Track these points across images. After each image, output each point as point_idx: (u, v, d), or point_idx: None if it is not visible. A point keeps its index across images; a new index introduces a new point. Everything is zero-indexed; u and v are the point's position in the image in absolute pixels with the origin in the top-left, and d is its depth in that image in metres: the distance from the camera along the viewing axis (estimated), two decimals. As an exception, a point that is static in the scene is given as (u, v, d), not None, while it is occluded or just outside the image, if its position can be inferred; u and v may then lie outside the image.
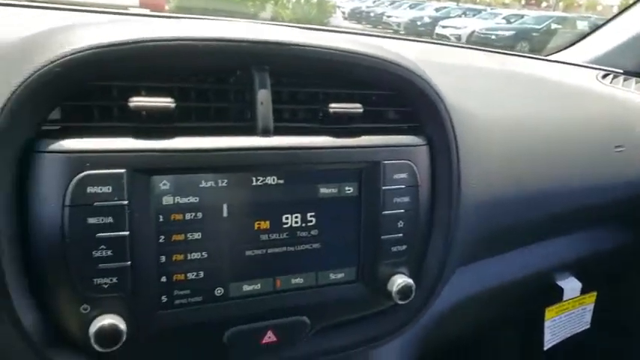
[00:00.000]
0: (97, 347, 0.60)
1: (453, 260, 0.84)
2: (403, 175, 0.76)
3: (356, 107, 0.73)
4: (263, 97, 0.67)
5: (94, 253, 0.60)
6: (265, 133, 0.68)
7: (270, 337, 0.72)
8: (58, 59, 0.58)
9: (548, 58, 1.51)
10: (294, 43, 0.68)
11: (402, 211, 0.77)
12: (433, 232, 0.81)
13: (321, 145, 0.71)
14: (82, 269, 0.60)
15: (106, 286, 0.61)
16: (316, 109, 0.74)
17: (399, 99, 0.79)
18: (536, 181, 1.02)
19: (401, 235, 0.77)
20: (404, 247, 0.78)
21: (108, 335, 0.60)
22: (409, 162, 0.77)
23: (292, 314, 0.73)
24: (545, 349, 1.23)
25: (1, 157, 0.57)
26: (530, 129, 1.05)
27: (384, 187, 0.75)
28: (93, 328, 0.60)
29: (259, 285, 0.71)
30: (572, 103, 1.21)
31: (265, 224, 0.70)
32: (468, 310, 1.04)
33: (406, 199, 0.77)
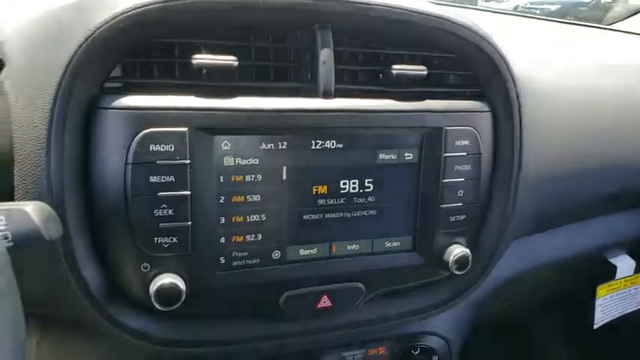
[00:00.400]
0: (157, 305, 0.60)
1: (510, 232, 0.81)
2: (465, 143, 0.73)
3: (420, 69, 0.70)
4: (325, 56, 0.65)
5: (155, 211, 0.60)
6: (326, 94, 0.66)
7: (325, 301, 0.72)
8: (120, 15, 0.57)
9: (611, 27, 1.43)
10: (359, 0, 0.65)
11: (463, 179, 0.74)
12: (492, 202, 0.79)
13: (383, 109, 0.69)
14: (143, 228, 0.60)
15: (166, 245, 0.61)
16: (377, 71, 0.72)
17: (462, 63, 0.76)
18: (598, 156, 0.97)
19: (460, 204, 0.75)
20: (462, 216, 0.76)
21: (168, 294, 0.60)
22: (472, 129, 0.74)
23: (347, 280, 0.73)
24: (595, 327, 1.20)
25: (67, 113, 0.56)
26: (593, 101, 1.00)
27: (445, 154, 0.72)
28: (153, 286, 0.60)
29: (316, 250, 0.70)
30: (638, 73, 1.14)
31: (323, 189, 0.69)
32: (521, 283, 1.01)
33: (467, 168, 0.74)
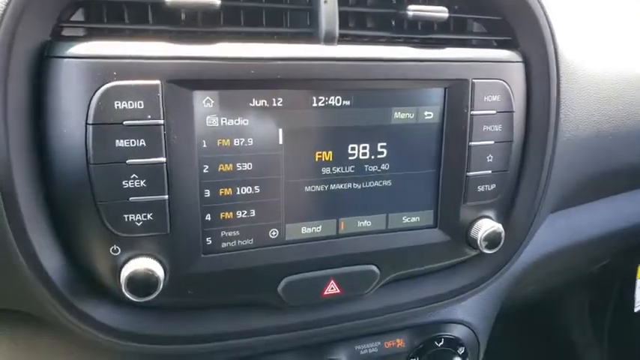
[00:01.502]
0: (129, 296, 0.51)
1: (546, 204, 0.71)
2: (495, 98, 0.62)
3: (440, 11, 0.59)
4: None
5: (124, 183, 0.50)
6: (328, 40, 0.55)
7: (332, 288, 0.62)
8: None
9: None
10: None
11: (492, 142, 0.64)
12: (526, 169, 0.68)
13: (397, 57, 0.58)
14: (110, 203, 0.50)
15: (139, 224, 0.51)
16: (389, 15, 0.61)
17: (488, 5, 0.65)
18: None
19: (489, 172, 0.64)
20: (492, 186, 0.65)
21: (142, 282, 0.51)
22: (503, 82, 0.63)
23: (358, 262, 0.63)
24: (635, 310, 1.09)
25: (10, 63, 0.46)
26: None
27: (472, 112, 0.61)
28: (125, 273, 0.51)
29: (320, 227, 0.60)
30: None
31: (327, 155, 0.59)
32: (554, 262, 0.91)
33: (498, 128, 0.63)
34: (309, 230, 0.60)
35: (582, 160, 0.77)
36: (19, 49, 0.46)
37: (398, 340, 0.74)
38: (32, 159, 0.49)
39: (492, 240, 0.64)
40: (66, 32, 0.51)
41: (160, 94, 0.49)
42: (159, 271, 0.51)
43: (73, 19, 0.51)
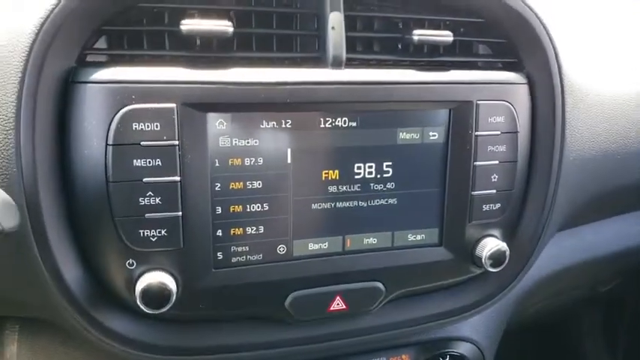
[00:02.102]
0: (143, 308, 0.53)
1: (552, 223, 0.71)
2: (500, 119, 0.64)
3: (445, 35, 0.61)
4: (334, 20, 0.57)
5: (140, 200, 0.53)
6: (336, 64, 0.58)
7: (338, 304, 0.63)
8: None
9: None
10: None
11: (497, 162, 0.65)
12: (532, 188, 0.69)
13: (403, 80, 0.60)
14: (127, 219, 0.53)
15: (153, 239, 0.54)
16: (395, 39, 0.63)
17: (492, 28, 0.66)
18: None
19: (494, 191, 0.65)
20: (497, 205, 0.66)
21: (156, 295, 0.53)
22: (507, 103, 0.64)
23: (364, 279, 0.64)
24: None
25: (39, 89, 0.49)
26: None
27: (476, 133, 0.63)
28: (139, 286, 0.53)
29: (327, 244, 0.62)
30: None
31: (334, 174, 0.60)
32: (562, 281, 0.91)
33: (502, 149, 0.65)
34: (316, 247, 0.62)
35: (589, 179, 0.78)
36: (47, 75, 0.50)
37: (403, 357, 0.75)
38: (56, 178, 0.52)
39: (497, 258, 0.65)
40: (89, 58, 0.54)
41: (176, 117, 0.52)
42: (172, 284, 0.54)
43: (96, 46, 0.54)
